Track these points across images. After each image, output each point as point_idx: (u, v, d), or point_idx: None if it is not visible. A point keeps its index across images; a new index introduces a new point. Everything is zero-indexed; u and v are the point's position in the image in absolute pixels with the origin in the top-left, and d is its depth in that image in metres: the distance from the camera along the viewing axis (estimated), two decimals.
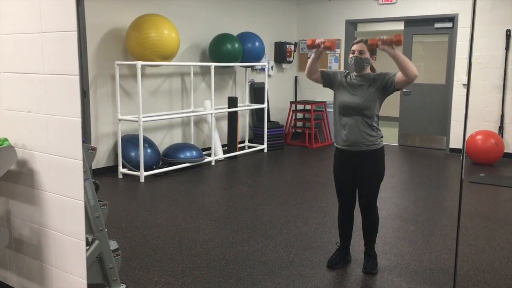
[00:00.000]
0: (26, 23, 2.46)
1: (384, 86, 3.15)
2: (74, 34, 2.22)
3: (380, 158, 3.25)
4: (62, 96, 2.35)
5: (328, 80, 3.37)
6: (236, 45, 7.02)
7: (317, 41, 3.20)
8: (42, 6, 2.36)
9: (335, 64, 8.79)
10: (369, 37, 3.36)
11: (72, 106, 2.31)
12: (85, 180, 2.43)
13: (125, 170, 5.95)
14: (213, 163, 6.75)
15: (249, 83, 8.09)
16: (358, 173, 3.26)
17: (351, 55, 3.23)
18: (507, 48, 7.12)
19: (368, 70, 3.25)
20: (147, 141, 6.12)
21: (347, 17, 8.66)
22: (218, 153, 6.96)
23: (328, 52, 3.26)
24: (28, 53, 2.48)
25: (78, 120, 2.30)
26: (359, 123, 3.17)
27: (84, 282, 2.43)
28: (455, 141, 7.75)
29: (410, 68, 3.00)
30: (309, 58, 3.34)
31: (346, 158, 3.28)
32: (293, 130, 8.69)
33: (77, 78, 2.26)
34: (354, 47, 3.22)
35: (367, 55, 3.19)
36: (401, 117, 8.43)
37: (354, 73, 3.28)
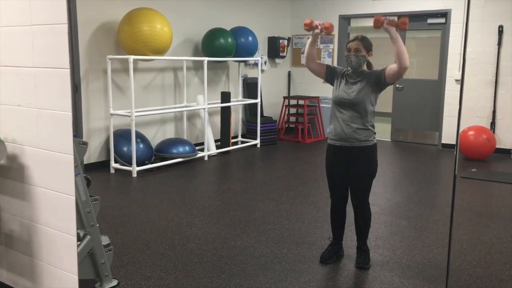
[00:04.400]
0: (15, 15, 2.42)
1: (376, 81, 3.16)
2: (65, 27, 2.20)
3: (372, 155, 3.25)
4: (52, 90, 2.32)
5: (331, 73, 3.37)
6: (229, 40, 6.99)
7: (315, 23, 3.19)
8: None
9: (328, 60, 8.76)
10: (363, 32, 3.35)
11: (63, 100, 2.28)
12: (76, 175, 2.41)
13: (117, 165, 5.92)
14: (206, 158, 6.73)
15: (242, 78, 8.07)
16: (350, 169, 3.26)
17: (347, 53, 3.23)
18: (499, 44, 7.15)
19: (364, 67, 3.26)
20: (140, 136, 6.09)
21: (340, 13, 8.63)
22: (211, 148, 6.95)
23: (325, 35, 3.22)
24: (18, 46, 2.45)
25: (69, 114, 2.27)
26: (353, 119, 3.18)
27: (75, 277, 2.41)
28: (448, 136, 7.79)
29: (404, 56, 2.99)
30: (302, 53, 3.32)
31: (338, 153, 3.28)
32: (286, 125, 8.69)
33: (67, 72, 2.24)
34: (350, 45, 3.21)
35: (363, 52, 3.19)
36: (394, 113, 8.44)
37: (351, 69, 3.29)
